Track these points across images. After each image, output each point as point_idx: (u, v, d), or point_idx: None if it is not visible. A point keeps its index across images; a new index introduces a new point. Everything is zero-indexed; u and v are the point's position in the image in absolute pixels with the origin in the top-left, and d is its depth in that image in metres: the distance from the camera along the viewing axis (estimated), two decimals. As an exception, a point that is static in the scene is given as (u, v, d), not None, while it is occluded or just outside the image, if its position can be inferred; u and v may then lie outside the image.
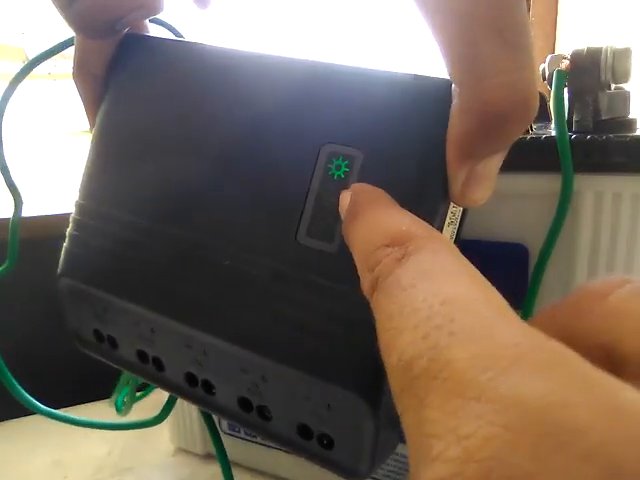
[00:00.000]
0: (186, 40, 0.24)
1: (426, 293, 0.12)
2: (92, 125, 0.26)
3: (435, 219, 0.18)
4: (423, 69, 0.19)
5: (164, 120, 0.23)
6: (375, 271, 0.14)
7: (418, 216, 0.16)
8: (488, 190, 0.18)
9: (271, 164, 0.20)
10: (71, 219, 0.25)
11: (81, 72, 0.25)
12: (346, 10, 0.73)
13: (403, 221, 0.15)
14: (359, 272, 0.15)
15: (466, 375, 0.10)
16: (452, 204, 0.19)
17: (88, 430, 0.46)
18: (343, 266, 0.18)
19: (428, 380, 0.10)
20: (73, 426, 0.36)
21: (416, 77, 0.18)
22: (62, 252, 0.26)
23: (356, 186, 0.18)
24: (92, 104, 0.26)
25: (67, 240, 0.25)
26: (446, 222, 0.19)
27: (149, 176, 0.23)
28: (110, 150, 0.25)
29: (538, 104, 0.16)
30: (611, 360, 0.12)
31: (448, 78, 0.17)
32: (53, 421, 0.34)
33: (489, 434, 0.09)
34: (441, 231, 0.18)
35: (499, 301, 0.12)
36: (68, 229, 0.25)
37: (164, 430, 0.45)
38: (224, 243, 0.21)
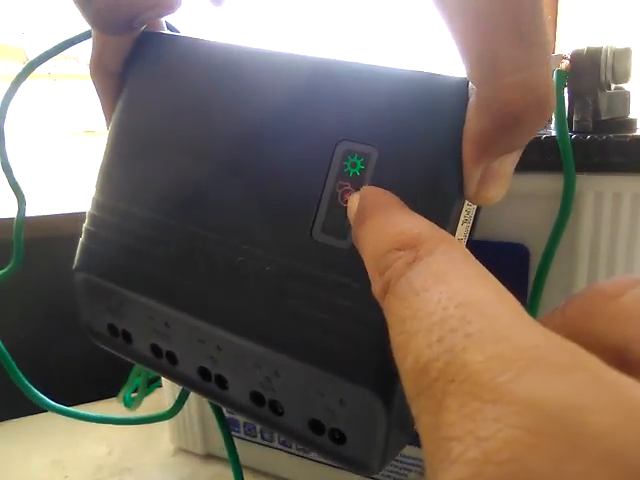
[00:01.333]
0: (202, 38, 0.24)
1: (440, 296, 0.12)
2: (109, 122, 0.26)
3: (450, 217, 0.18)
4: (440, 67, 0.19)
5: (180, 117, 0.23)
6: (386, 275, 0.14)
7: (433, 214, 0.16)
8: (503, 188, 0.18)
9: (287, 161, 0.21)
10: (87, 214, 0.26)
11: (98, 70, 0.25)
12: (363, 8, 0.73)
13: (414, 224, 0.15)
14: (370, 276, 0.15)
15: (483, 377, 0.10)
16: (467, 202, 0.19)
17: (88, 430, 0.46)
18: (358, 263, 0.18)
19: (445, 383, 0.10)
20: (73, 426, 0.36)
21: (432, 75, 0.18)
22: (78, 246, 0.26)
23: (365, 189, 0.18)
24: (109, 101, 0.26)
25: (83, 235, 0.26)
26: (460, 220, 0.19)
27: (165, 173, 0.23)
28: (127, 147, 0.25)
29: (555, 101, 0.16)
30: (623, 363, 0.12)
31: (465, 76, 0.17)
32: (53, 421, 0.34)
33: (508, 437, 0.09)
34: (455, 229, 0.19)
35: (514, 303, 0.12)
36: (84, 224, 0.26)
37: (164, 430, 0.45)
38: (238, 239, 0.21)
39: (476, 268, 0.13)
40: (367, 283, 0.17)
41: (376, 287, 0.14)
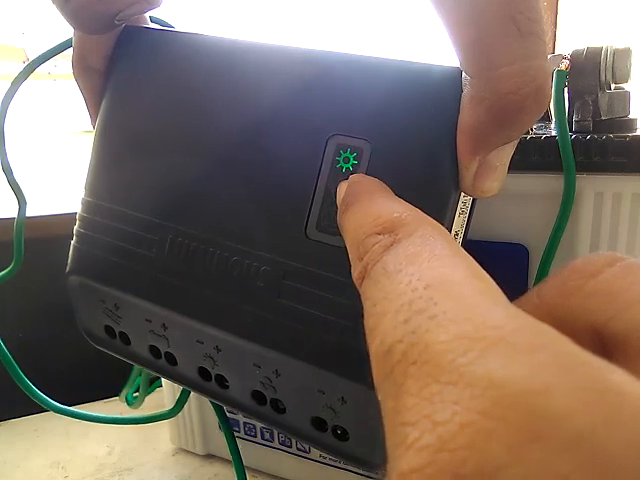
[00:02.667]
0: (186, 31, 0.24)
1: (411, 277, 0.11)
2: (94, 121, 0.26)
3: (447, 210, 0.18)
4: (433, 58, 0.18)
5: (167, 114, 0.23)
6: (364, 259, 0.14)
7: (429, 207, 0.16)
8: (500, 180, 0.17)
9: (278, 158, 0.20)
10: (78, 216, 0.25)
11: (81, 67, 0.25)
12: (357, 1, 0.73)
13: (394, 208, 0.15)
14: (351, 262, 0.15)
15: (444, 358, 0.09)
16: (463, 194, 0.18)
17: (88, 430, 0.46)
18: None
19: (407, 365, 0.10)
20: (73, 426, 0.36)
21: (425, 66, 0.18)
22: (70, 250, 0.25)
23: (353, 176, 0.18)
24: (93, 99, 0.25)
25: (75, 237, 0.25)
26: (457, 212, 0.18)
27: (155, 172, 0.23)
28: (114, 146, 0.25)
29: (552, 92, 0.16)
30: (603, 342, 0.12)
31: (458, 66, 0.17)
32: (53, 421, 0.34)
33: (465, 421, 0.08)
34: (452, 221, 0.18)
35: (485, 283, 0.11)
36: (75, 226, 0.25)
37: (164, 430, 0.45)
38: (233, 239, 0.21)
39: (451, 249, 0.12)
40: None
41: (354, 272, 0.14)
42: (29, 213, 0.35)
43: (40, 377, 0.35)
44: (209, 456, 0.44)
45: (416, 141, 0.18)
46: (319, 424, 0.21)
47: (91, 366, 0.49)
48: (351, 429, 0.20)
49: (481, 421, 0.08)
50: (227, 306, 0.21)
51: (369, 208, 0.15)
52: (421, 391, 0.09)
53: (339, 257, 0.19)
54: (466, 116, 0.16)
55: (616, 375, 0.08)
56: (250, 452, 0.40)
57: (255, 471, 0.41)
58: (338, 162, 0.19)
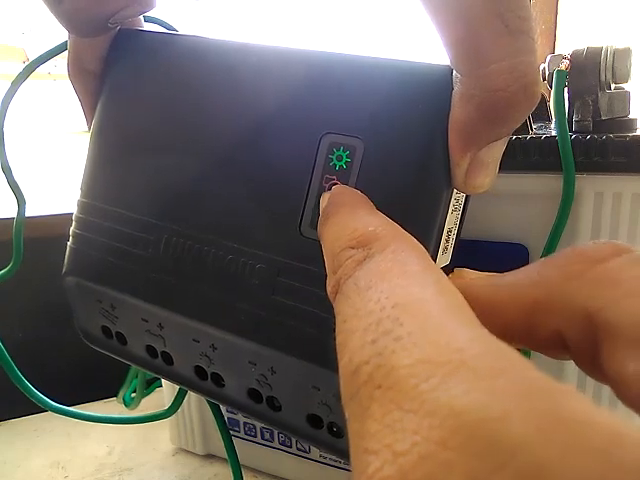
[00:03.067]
0: (181, 33, 0.24)
1: (380, 295, 0.11)
2: (90, 123, 0.26)
3: (439, 207, 0.18)
4: (423, 56, 0.19)
5: (163, 115, 0.23)
6: (337, 273, 0.13)
7: (422, 204, 0.16)
8: (491, 176, 0.18)
9: (272, 156, 0.20)
10: (74, 217, 0.25)
11: (76, 69, 0.25)
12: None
13: (370, 222, 0.14)
14: (327, 274, 0.15)
15: (407, 384, 0.09)
16: (456, 190, 0.18)
17: (88, 430, 0.47)
18: None
19: (372, 388, 0.10)
20: (73, 426, 0.36)
21: (415, 64, 0.18)
22: (67, 251, 0.26)
23: (335, 187, 0.18)
24: (89, 101, 0.25)
25: (71, 238, 0.25)
26: (450, 209, 0.19)
27: (150, 172, 0.23)
28: (110, 147, 0.25)
29: (541, 89, 0.16)
30: (593, 328, 0.12)
31: (449, 64, 0.17)
32: (53, 421, 0.34)
33: (424, 452, 0.08)
34: (445, 218, 0.18)
35: (453, 300, 0.11)
36: (71, 228, 0.25)
37: (164, 430, 0.45)
38: (227, 237, 0.21)
39: (424, 266, 0.12)
40: None
41: (329, 286, 0.14)
42: (29, 213, 0.35)
43: (40, 377, 0.35)
44: (209, 456, 0.44)
45: (408, 138, 0.18)
46: (315, 421, 0.21)
47: (91, 366, 0.49)
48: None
49: (440, 452, 0.08)
50: (222, 304, 0.21)
51: (347, 221, 0.15)
52: (384, 417, 0.09)
53: None
54: (457, 113, 0.17)
55: (574, 402, 0.08)
56: (250, 452, 0.40)
57: (255, 471, 0.41)
58: (331, 160, 0.19)
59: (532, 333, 0.14)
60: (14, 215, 0.35)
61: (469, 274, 0.16)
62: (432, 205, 0.18)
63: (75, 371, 0.52)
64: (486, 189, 0.18)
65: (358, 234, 0.14)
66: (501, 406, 0.08)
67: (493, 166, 0.17)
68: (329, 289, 0.14)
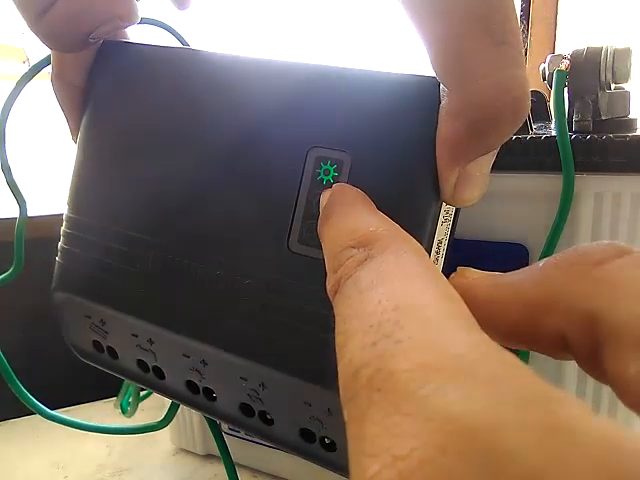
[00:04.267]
0: (166, 45, 0.24)
1: (380, 297, 0.11)
2: (75, 136, 0.25)
3: (428, 219, 0.18)
4: (412, 68, 0.18)
5: (149, 129, 0.23)
6: (338, 272, 0.13)
7: (411, 217, 0.16)
8: (480, 190, 0.17)
9: (259, 171, 0.20)
10: (62, 232, 0.25)
11: (60, 83, 0.24)
12: (334, 11, 0.73)
13: (371, 222, 0.14)
14: (327, 273, 0.15)
15: (407, 388, 0.09)
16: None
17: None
18: None
19: (372, 391, 0.10)
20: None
21: (403, 76, 0.18)
22: (55, 266, 0.25)
23: (336, 186, 0.18)
24: (74, 115, 0.25)
25: (59, 254, 0.25)
26: (440, 220, 0.18)
27: (137, 187, 0.23)
28: (95, 161, 0.24)
29: (530, 103, 0.15)
30: (596, 329, 0.12)
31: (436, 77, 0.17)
32: (52, 422, 0.34)
33: (423, 456, 0.08)
34: (435, 231, 0.18)
35: (454, 305, 0.11)
36: (60, 243, 0.25)
37: (164, 430, 0.45)
38: (215, 253, 0.21)
39: (425, 268, 0.12)
40: None
41: (329, 285, 0.14)
42: (30, 213, 0.35)
43: (40, 377, 0.35)
44: (209, 456, 0.44)
45: (396, 152, 0.18)
46: (307, 435, 0.21)
47: (91, 366, 0.49)
48: (338, 440, 0.20)
49: (439, 457, 0.08)
50: (211, 320, 0.21)
51: (347, 220, 0.15)
52: (384, 421, 0.09)
53: (321, 270, 0.18)
54: (444, 128, 0.16)
55: (572, 409, 0.08)
56: (250, 452, 0.40)
57: (255, 471, 0.41)
58: (319, 174, 0.19)
59: (534, 333, 0.14)
60: (13, 215, 0.35)
61: (472, 273, 0.16)
62: (421, 218, 0.18)
63: (75, 371, 0.52)
64: (475, 202, 0.18)
65: (359, 234, 0.14)
66: (498, 414, 0.08)
67: (482, 179, 0.17)
68: (329, 287, 0.14)
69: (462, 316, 0.11)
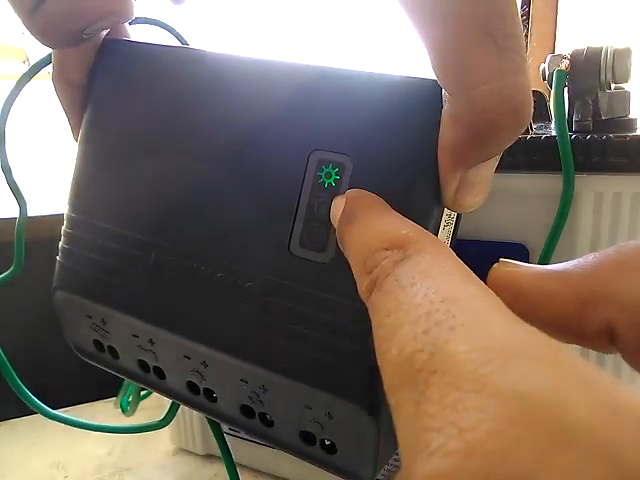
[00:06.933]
0: (167, 44, 0.24)
1: (426, 290, 0.12)
2: (76, 135, 0.25)
3: (429, 223, 0.18)
4: (416, 69, 0.18)
5: (150, 129, 0.23)
6: (373, 273, 0.14)
7: (412, 220, 0.16)
8: (481, 196, 0.17)
9: (261, 174, 0.20)
10: (62, 232, 0.25)
11: (62, 83, 0.24)
12: (337, 13, 0.73)
13: (402, 226, 0.15)
14: (356, 276, 0.15)
15: (466, 368, 0.10)
16: None
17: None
18: (337, 277, 0.18)
19: (428, 374, 0.10)
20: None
21: (405, 79, 0.18)
22: (56, 265, 0.25)
23: (352, 191, 0.18)
24: (75, 114, 0.25)
25: (60, 253, 0.25)
26: (441, 225, 0.18)
27: (138, 187, 0.23)
28: (97, 160, 0.24)
29: (532, 110, 0.15)
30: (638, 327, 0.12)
31: None
32: (53, 421, 0.34)
33: (492, 428, 0.09)
34: (437, 234, 0.18)
35: (497, 300, 0.12)
36: (60, 242, 0.25)
37: (164, 430, 0.45)
38: (217, 255, 0.21)
39: (462, 268, 0.13)
40: (349, 297, 0.17)
41: (362, 286, 0.14)
42: (31, 213, 0.35)
43: (41, 376, 0.35)
44: (209, 456, 0.44)
45: (397, 155, 0.18)
46: (308, 438, 0.21)
47: (91, 366, 0.49)
48: (338, 443, 0.20)
49: (509, 429, 0.08)
50: (212, 322, 0.21)
51: (375, 225, 0.16)
52: (443, 399, 0.10)
53: (322, 274, 0.19)
54: (445, 133, 0.16)
55: (626, 392, 0.09)
56: (250, 452, 0.40)
57: (255, 471, 0.41)
58: (320, 177, 0.19)
59: (580, 325, 0.14)
60: (11, 216, 0.35)
61: (514, 265, 0.16)
62: (422, 222, 0.17)
63: (76, 370, 0.52)
64: (476, 208, 0.18)
65: (391, 236, 0.14)
66: (563, 392, 0.09)
67: (483, 185, 0.17)
68: (363, 288, 0.14)
69: (506, 309, 0.11)
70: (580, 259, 0.15)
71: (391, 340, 0.12)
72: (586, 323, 0.14)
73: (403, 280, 0.13)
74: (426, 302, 0.12)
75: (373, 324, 0.13)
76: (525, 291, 0.15)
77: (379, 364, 0.12)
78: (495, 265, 0.16)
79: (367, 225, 0.16)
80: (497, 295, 0.12)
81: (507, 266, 0.16)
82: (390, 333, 0.12)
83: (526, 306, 0.14)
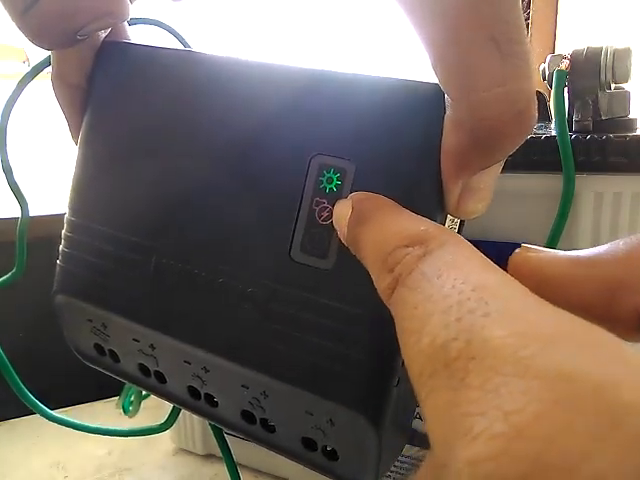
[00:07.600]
0: (167, 47, 0.23)
1: (454, 281, 0.12)
2: (76, 138, 0.25)
3: None
4: (418, 74, 0.18)
5: (150, 132, 0.22)
6: (396, 270, 0.14)
7: None
8: (485, 202, 0.17)
9: (262, 178, 0.20)
10: (62, 235, 0.25)
11: (62, 85, 0.24)
12: (338, 15, 0.73)
13: (420, 222, 0.15)
14: (373, 275, 0.15)
15: (505, 352, 0.10)
16: None
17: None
18: (338, 283, 0.18)
19: (466, 361, 0.10)
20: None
21: (407, 82, 0.18)
22: (56, 269, 0.25)
23: (359, 194, 0.17)
24: (75, 117, 0.25)
25: (60, 257, 0.25)
26: None
27: (138, 191, 0.23)
28: (96, 164, 0.24)
29: (536, 116, 0.15)
30: None
31: None
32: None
33: (539, 410, 0.08)
34: None
35: (524, 289, 0.12)
36: (60, 246, 0.25)
37: (164, 430, 0.45)
38: (217, 260, 0.21)
39: (484, 258, 0.13)
40: (351, 303, 0.17)
41: (383, 284, 0.14)
42: (32, 213, 0.35)
43: (41, 377, 0.35)
44: (209, 456, 0.44)
45: (400, 162, 0.17)
46: (309, 444, 0.21)
47: (92, 367, 0.49)
48: (340, 449, 0.20)
49: (556, 410, 0.08)
50: (212, 327, 0.21)
51: (391, 223, 0.15)
52: (485, 384, 0.09)
53: (323, 280, 0.18)
54: (448, 139, 0.16)
55: None
56: (250, 452, 0.40)
57: (255, 471, 0.41)
58: (322, 182, 0.19)
59: (609, 311, 0.14)
60: (13, 216, 0.35)
61: (537, 250, 0.16)
62: None
63: (76, 370, 0.52)
64: (479, 214, 0.17)
65: (410, 233, 0.14)
66: (610, 374, 0.09)
67: (486, 192, 0.17)
68: (384, 286, 0.14)
69: (536, 296, 0.11)
70: (608, 246, 0.14)
71: (420, 331, 0.12)
72: (614, 310, 0.14)
73: (429, 273, 0.13)
74: (455, 292, 0.11)
75: (397, 319, 0.13)
76: (549, 277, 0.14)
77: (405, 356, 0.12)
78: (517, 250, 0.16)
79: (383, 224, 0.15)
80: (519, 281, 0.12)
81: (529, 251, 0.16)
82: (419, 324, 0.12)
83: (550, 293, 0.13)
